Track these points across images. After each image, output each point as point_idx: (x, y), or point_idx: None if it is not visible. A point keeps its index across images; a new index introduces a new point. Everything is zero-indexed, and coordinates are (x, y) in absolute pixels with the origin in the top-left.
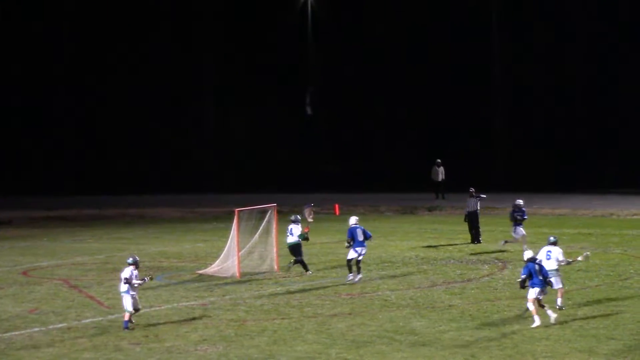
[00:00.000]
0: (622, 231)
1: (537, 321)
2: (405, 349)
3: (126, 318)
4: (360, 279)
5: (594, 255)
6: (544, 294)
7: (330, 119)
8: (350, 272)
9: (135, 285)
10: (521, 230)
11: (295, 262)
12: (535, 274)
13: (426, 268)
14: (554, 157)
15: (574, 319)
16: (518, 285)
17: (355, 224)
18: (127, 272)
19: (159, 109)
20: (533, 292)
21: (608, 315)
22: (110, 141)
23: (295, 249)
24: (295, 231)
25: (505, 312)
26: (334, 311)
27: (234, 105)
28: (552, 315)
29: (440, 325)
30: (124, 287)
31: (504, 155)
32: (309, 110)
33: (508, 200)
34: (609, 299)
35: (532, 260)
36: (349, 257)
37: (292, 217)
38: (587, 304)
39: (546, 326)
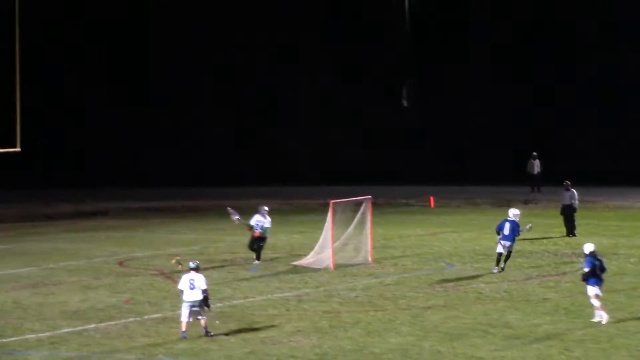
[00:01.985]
0: None
1: (604, 317)
2: (499, 342)
3: (204, 324)
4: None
5: None
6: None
7: (427, 112)
8: (497, 265)
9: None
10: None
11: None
12: (597, 269)
13: (521, 261)
14: None
15: None
16: (581, 278)
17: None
18: (203, 280)
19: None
20: (594, 289)
21: None
22: (205, 131)
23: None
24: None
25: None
26: (428, 303)
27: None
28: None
29: (535, 319)
30: (199, 296)
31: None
32: (405, 103)
33: (605, 194)
34: None
35: (593, 255)
36: (498, 250)
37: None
38: None
39: (639, 319)
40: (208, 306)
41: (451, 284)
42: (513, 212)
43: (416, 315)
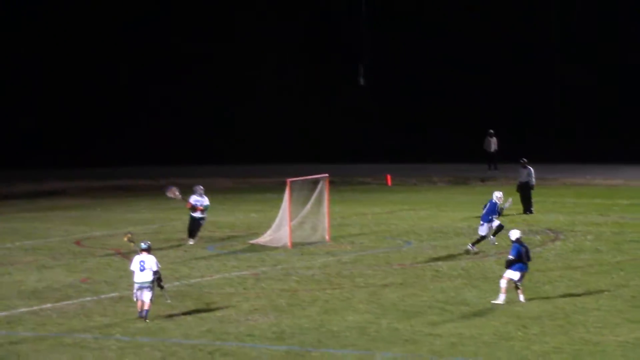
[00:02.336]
0: None
1: (501, 299)
2: (457, 320)
3: (147, 307)
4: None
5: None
6: (522, 279)
7: (382, 91)
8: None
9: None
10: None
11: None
12: (522, 256)
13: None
14: (605, 128)
15: (626, 290)
16: (505, 265)
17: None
18: (154, 261)
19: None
20: (513, 274)
21: None
22: (162, 111)
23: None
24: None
25: (556, 283)
26: (385, 281)
27: (288, 75)
28: (522, 297)
29: (492, 296)
30: (149, 277)
31: (557, 127)
32: (361, 81)
33: (561, 171)
34: None
35: (519, 241)
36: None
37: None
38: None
39: (597, 296)
40: (161, 287)
41: (408, 261)
42: (496, 195)
43: (374, 293)
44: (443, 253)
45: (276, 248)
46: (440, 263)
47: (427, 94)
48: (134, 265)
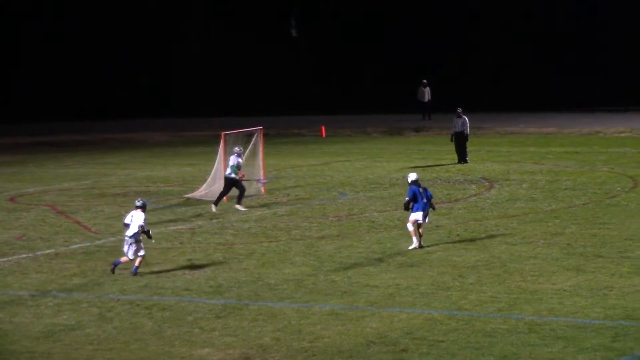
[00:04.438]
0: (609, 149)
1: (415, 243)
2: (394, 270)
3: (138, 263)
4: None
5: (581, 174)
6: (426, 218)
7: (315, 42)
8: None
9: (150, 236)
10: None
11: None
12: (420, 197)
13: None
14: (539, 75)
15: (562, 237)
16: (403, 207)
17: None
18: (141, 217)
19: (142, 30)
20: (416, 215)
21: (595, 233)
22: (93, 64)
23: (231, 181)
24: (230, 163)
25: (492, 232)
26: (322, 233)
27: (220, 28)
28: (415, 240)
29: (428, 246)
30: (133, 231)
31: (491, 75)
32: (293, 33)
33: (495, 119)
34: (596, 217)
35: (416, 183)
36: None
37: (235, 148)
38: (575, 222)
39: (533, 244)
40: (150, 237)
41: (344, 213)
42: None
43: (310, 246)
44: (379, 204)
45: (212, 202)
46: (376, 214)
47: (360, 45)
48: (127, 219)
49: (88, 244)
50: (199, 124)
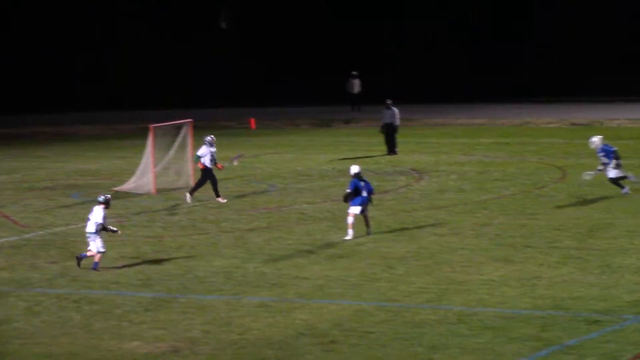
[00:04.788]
0: (538, 140)
1: (350, 235)
2: (323, 262)
3: (97, 259)
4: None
5: (510, 164)
6: (366, 211)
7: (244, 34)
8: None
9: (110, 231)
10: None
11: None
12: (361, 190)
13: (343, 180)
14: (469, 66)
15: (491, 228)
16: (342, 199)
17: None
18: (100, 214)
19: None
20: (355, 209)
21: (524, 224)
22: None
23: (205, 173)
24: (200, 152)
25: (422, 223)
26: (251, 225)
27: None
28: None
29: (358, 237)
30: (91, 228)
31: (420, 67)
32: (223, 25)
33: (425, 111)
34: (525, 208)
35: (358, 176)
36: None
37: (207, 138)
38: (504, 213)
39: (462, 235)
40: (113, 231)
41: (274, 205)
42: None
43: (240, 238)
44: (308, 196)
45: (140, 194)
46: (305, 206)
47: (289, 38)
48: (90, 215)
49: (16, 238)
50: (130, 116)
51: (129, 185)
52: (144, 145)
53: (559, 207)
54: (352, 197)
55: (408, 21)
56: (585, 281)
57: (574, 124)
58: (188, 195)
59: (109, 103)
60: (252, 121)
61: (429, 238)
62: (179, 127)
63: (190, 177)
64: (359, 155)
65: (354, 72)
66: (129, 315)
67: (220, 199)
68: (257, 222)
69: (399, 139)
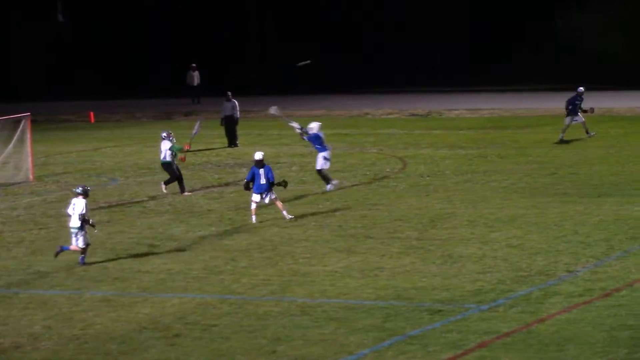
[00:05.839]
0: (377, 130)
1: (253, 220)
2: (165, 255)
3: (84, 253)
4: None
5: (351, 156)
6: (270, 197)
7: (81, 25)
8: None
9: (90, 225)
10: None
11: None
12: (258, 178)
13: (185, 173)
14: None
15: (333, 219)
16: (243, 188)
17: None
18: (81, 205)
19: None
20: (254, 196)
21: (365, 214)
22: None
23: (165, 167)
24: (164, 147)
25: (263, 215)
26: (93, 220)
27: None
28: (287, 216)
29: (200, 230)
30: (76, 222)
31: (260, 59)
32: (60, 18)
33: (263, 103)
34: (366, 199)
35: (259, 163)
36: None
37: (163, 134)
38: (345, 204)
39: (304, 227)
40: (93, 225)
41: (115, 199)
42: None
43: None
44: (149, 189)
45: None
46: (146, 199)
47: (126, 30)
48: (69, 210)
49: None
50: None
51: None
52: None
53: (399, 197)
54: (250, 184)
55: (250, 18)
56: (427, 271)
57: (413, 115)
58: (187, 193)
59: None
60: (92, 114)
61: (271, 230)
62: (17, 121)
63: (30, 170)
64: (200, 148)
65: (193, 64)
66: None
67: (165, 188)
68: (99, 216)
69: (240, 131)
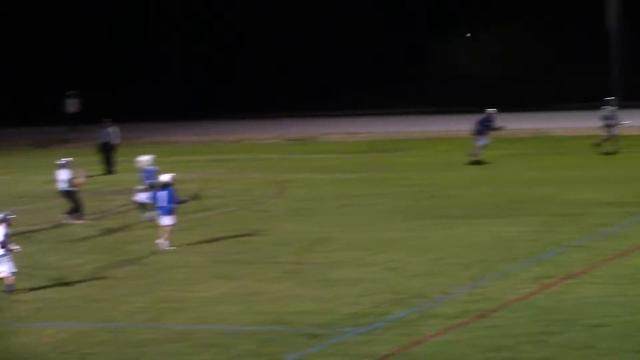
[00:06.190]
0: (255, 155)
1: (163, 245)
2: (43, 284)
3: (11, 281)
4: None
5: (229, 181)
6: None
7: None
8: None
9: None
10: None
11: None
12: (157, 201)
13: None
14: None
15: (212, 245)
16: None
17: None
18: (1, 232)
19: None
20: (164, 219)
21: (244, 240)
22: None
23: (66, 195)
24: (62, 177)
25: (143, 242)
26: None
27: None
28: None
29: (77, 259)
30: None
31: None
32: None
33: (145, 129)
34: (245, 223)
35: (165, 185)
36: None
37: (61, 161)
38: (224, 229)
39: (184, 253)
40: (15, 249)
41: None
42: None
43: None
44: (27, 218)
45: None
46: (24, 228)
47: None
48: None
49: None
50: None
51: None
52: None
53: (279, 221)
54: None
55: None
56: (305, 295)
57: (290, 140)
58: (78, 221)
59: None
60: None
61: (148, 258)
62: None
63: None
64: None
65: (71, 92)
66: None
67: (76, 220)
68: None
69: (118, 157)
